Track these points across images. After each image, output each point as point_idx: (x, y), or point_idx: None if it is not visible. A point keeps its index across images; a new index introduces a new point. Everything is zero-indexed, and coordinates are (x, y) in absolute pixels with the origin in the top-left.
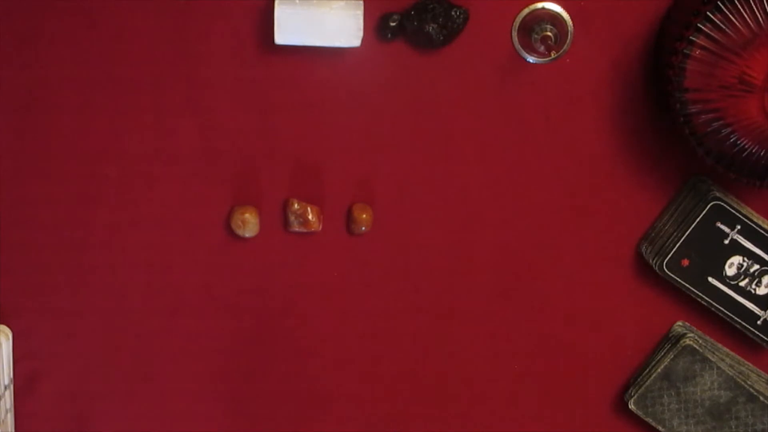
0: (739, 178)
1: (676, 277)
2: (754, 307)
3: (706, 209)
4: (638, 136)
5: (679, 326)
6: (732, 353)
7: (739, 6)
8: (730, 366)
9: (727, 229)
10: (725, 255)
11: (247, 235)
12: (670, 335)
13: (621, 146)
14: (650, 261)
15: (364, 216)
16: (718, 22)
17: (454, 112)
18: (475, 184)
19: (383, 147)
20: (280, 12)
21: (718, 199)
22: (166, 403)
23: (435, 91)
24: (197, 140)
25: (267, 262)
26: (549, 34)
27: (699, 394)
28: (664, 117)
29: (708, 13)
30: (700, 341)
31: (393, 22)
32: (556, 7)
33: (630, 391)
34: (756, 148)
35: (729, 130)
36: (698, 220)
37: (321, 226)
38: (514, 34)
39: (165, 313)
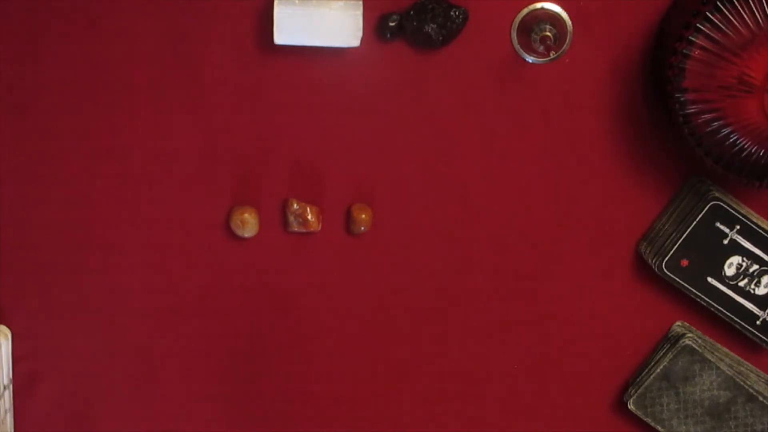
0: (739, 179)
1: (675, 277)
2: (754, 307)
3: (706, 209)
4: (638, 136)
5: (678, 326)
6: (731, 353)
7: (738, 6)
8: (730, 366)
9: (726, 229)
10: (724, 255)
11: (246, 235)
12: (670, 335)
13: (620, 146)
14: (649, 261)
15: (364, 216)
16: (717, 22)
17: (453, 112)
18: (475, 184)
19: (382, 147)
20: (279, 12)
21: (718, 199)
22: (166, 403)
23: (434, 91)
24: (197, 140)
25: (266, 263)
26: (548, 34)
27: (698, 394)
28: (663, 117)
29: (707, 13)
30: (700, 341)
31: (392, 22)
32: (556, 8)
33: (629, 391)
34: (755, 148)
35: (728, 130)
36: (697, 220)
37: (320, 226)
38: (514, 34)
39: (164, 313)
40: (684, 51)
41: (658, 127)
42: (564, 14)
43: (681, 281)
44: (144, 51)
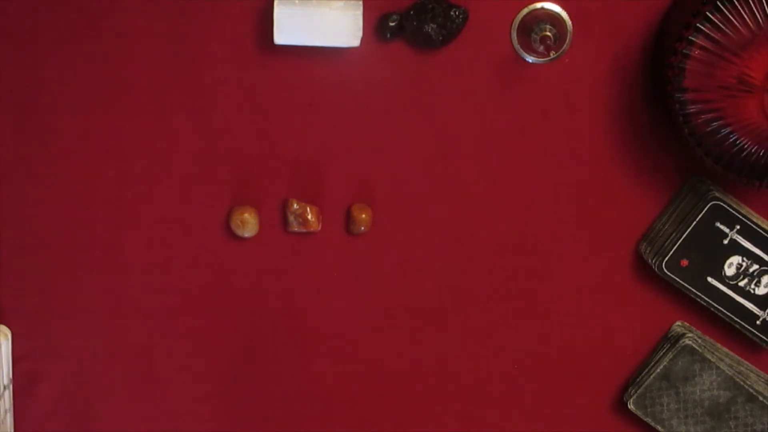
0: (739, 179)
1: (675, 277)
2: (754, 307)
3: (706, 209)
4: (638, 136)
5: (678, 326)
6: (731, 353)
7: (738, 6)
8: (730, 366)
9: (726, 229)
10: (724, 255)
11: (246, 235)
12: (670, 335)
13: (620, 146)
14: (649, 261)
15: (364, 216)
16: (717, 22)
17: (453, 112)
18: (475, 183)
19: (382, 147)
20: (279, 12)
21: (718, 199)
22: (166, 403)
23: (434, 91)
24: (197, 140)
25: (266, 262)
26: (548, 34)
27: (698, 394)
28: (663, 117)
29: (707, 13)
30: (700, 341)
31: (392, 22)
32: (556, 7)
33: (629, 391)
34: (755, 148)
35: (728, 130)
36: (697, 220)
37: (320, 226)
38: (514, 34)
39: (164, 313)
40: (684, 51)
41: (658, 127)
42: (564, 14)
43: (681, 281)
44: (144, 51)
